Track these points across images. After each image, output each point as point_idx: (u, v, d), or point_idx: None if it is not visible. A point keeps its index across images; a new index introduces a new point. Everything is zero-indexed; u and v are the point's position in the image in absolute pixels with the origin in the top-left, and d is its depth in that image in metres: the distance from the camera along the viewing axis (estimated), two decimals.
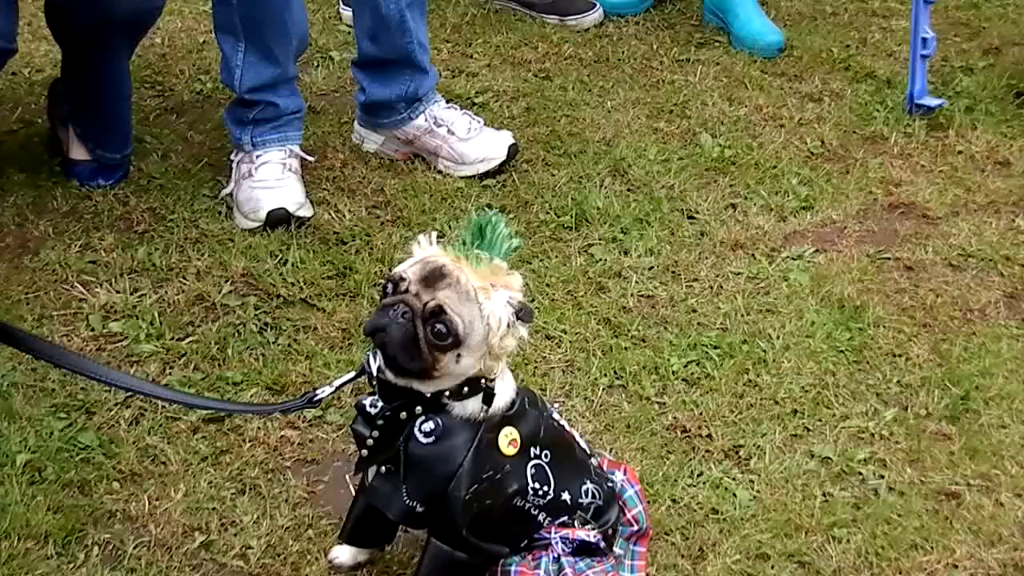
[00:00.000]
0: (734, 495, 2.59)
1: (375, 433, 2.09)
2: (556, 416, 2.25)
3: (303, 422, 2.73)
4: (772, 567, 2.43)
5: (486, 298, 2.01)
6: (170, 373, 2.84)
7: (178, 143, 3.72)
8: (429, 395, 2.07)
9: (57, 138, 3.58)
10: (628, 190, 3.59)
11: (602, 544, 2.20)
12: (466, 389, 2.07)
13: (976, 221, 3.49)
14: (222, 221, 3.37)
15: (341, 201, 3.46)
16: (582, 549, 2.18)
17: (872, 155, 3.78)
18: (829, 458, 2.69)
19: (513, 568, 2.17)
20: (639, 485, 2.35)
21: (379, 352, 2.07)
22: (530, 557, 2.17)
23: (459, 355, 2.02)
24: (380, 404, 2.11)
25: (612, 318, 3.08)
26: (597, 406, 2.81)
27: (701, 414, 2.79)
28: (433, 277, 2.02)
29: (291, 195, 3.34)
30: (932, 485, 2.63)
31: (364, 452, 2.12)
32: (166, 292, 3.09)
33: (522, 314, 2.05)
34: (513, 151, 3.59)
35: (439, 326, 1.99)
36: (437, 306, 1.99)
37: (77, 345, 2.91)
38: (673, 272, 3.26)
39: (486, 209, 2.20)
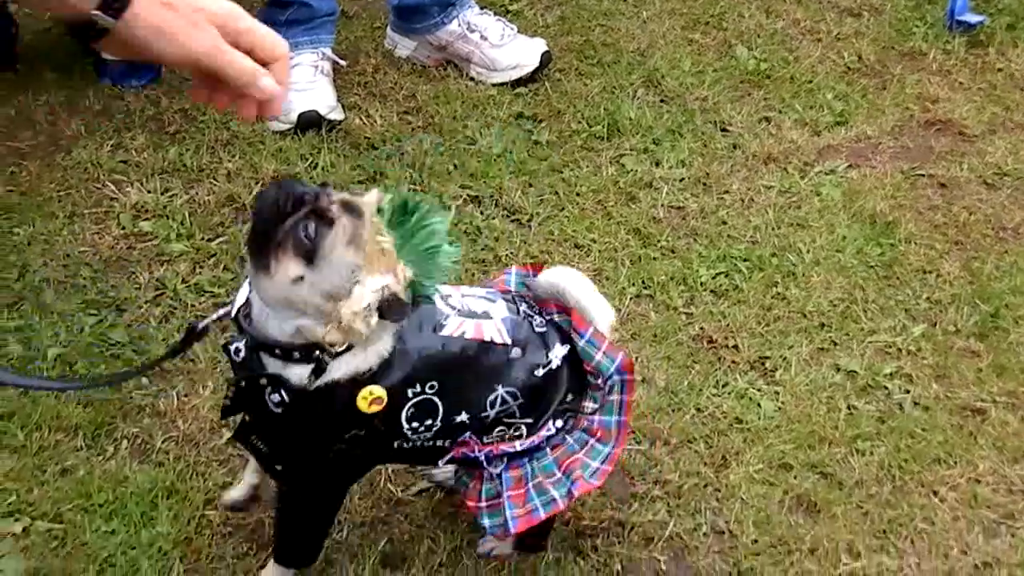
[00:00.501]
0: (759, 405, 2.59)
1: (230, 393, 1.95)
2: (454, 330, 1.97)
3: None
4: (794, 477, 2.44)
5: (367, 270, 1.82)
6: (200, 272, 2.85)
7: None
8: (267, 345, 1.88)
9: None
10: (661, 101, 3.56)
11: (545, 437, 2.05)
12: (296, 354, 1.87)
13: (1013, 140, 3.45)
14: (253, 124, 3.36)
15: (372, 106, 3.45)
16: (513, 455, 2.05)
17: (910, 71, 3.73)
18: (855, 372, 2.69)
19: (462, 491, 2.12)
20: (589, 328, 2.05)
21: (255, 213, 1.89)
22: (472, 482, 2.09)
23: (301, 276, 1.80)
24: (241, 352, 1.93)
25: (642, 228, 3.07)
26: (624, 315, 2.81)
27: (728, 325, 2.79)
28: (351, 208, 1.83)
29: (323, 98, 3.32)
30: (958, 401, 2.63)
31: (226, 402, 1.97)
32: (197, 192, 3.10)
33: (388, 310, 1.83)
34: (546, 59, 3.56)
35: (311, 227, 1.78)
36: (330, 216, 1.80)
37: (108, 243, 2.93)
38: (704, 184, 3.24)
39: (415, 195, 1.95)
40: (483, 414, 2.00)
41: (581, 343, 2.05)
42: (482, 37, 3.56)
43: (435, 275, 1.90)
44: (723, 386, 2.64)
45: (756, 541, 2.32)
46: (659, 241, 3.03)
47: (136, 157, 3.20)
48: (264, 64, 1.53)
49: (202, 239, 2.95)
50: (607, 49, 3.77)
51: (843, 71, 3.73)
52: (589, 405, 2.07)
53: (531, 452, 2.05)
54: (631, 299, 2.86)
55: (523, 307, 2.07)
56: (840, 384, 2.66)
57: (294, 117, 3.28)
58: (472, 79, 3.58)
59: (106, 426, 2.46)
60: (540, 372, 2.02)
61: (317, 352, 1.85)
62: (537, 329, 2.05)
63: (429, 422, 1.96)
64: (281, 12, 3.37)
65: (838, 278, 2.93)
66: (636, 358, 2.68)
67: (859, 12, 4.03)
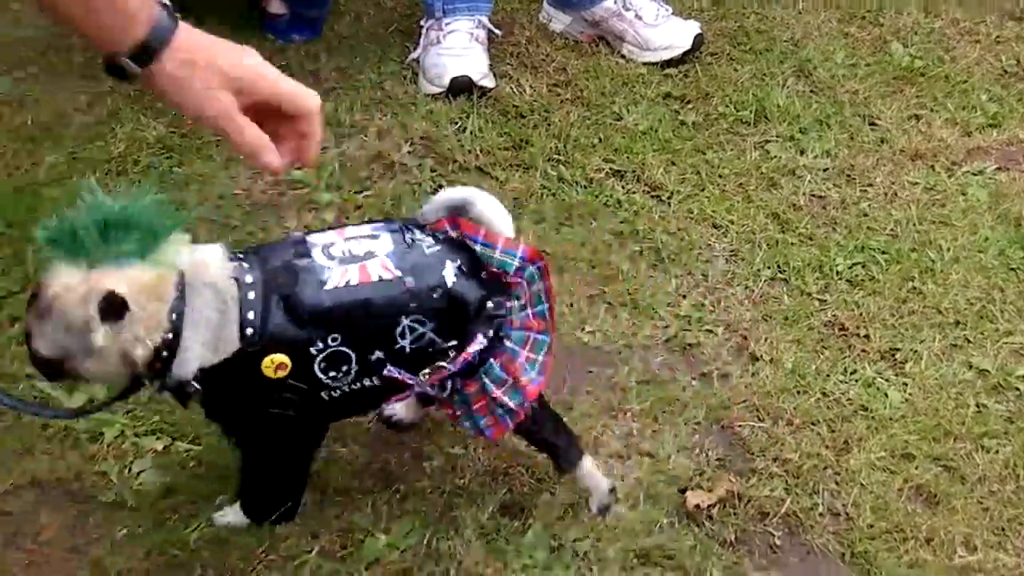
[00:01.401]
0: (885, 395, 2.59)
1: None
2: (338, 281, 1.98)
3: None
4: (916, 467, 2.44)
5: (63, 305, 1.85)
6: (346, 221, 2.94)
7: (370, 7, 3.80)
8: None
9: None
10: (811, 91, 3.55)
11: (475, 352, 2.03)
12: (157, 366, 1.94)
13: None
14: (406, 85, 3.44)
15: (523, 76, 3.51)
16: (476, 360, 2.04)
17: None
18: (987, 371, 2.67)
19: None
20: (481, 230, 2.04)
21: None
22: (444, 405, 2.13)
23: (75, 364, 1.91)
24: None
25: (781, 214, 3.08)
26: (757, 296, 2.83)
27: (861, 315, 2.79)
28: (31, 302, 1.91)
29: (476, 64, 3.39)
30: None
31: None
32: (347, 147, 3.19)
33: (107, 312, 1.85)
34: (698, 41, 3.58)
35: (37, 354, 1.93)
36: (28, 335, 1.92)
37: (261, 188, 3.04)
38: (848, 175, 3.23)
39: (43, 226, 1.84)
40: (396, 347, 2.00)
41: (477, 248, 2.05)
42: (637, 16, 3.59)
43: (147, 220, 1.87)
44: (851, 373, 2.64)
45: (872, 526, 2.32)
46: (798, 227, 3.04)
47: None
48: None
49: (350, 191, 3.04)
50: (760, 36, 3.77)
51: (999, 74, 3.68)
52: (514, 304, 2.07)
53: (478, 367, 2.05)
54: (765, 281, 2.87)
55: (411, 235, 2.06)
56: (970, 381, 2.64)
57: (447, 81, 3.35)
58: (623, 56, 3.62)
59: None
60: (436, 295, 2.01)
61: (160, 359, 1.92)
62: (428, 252, 2.03)
63: (345, 368, 1.99)
64: None
65: (977, 277, 2.90)
66: (766, 339, 2.70)
67: (1021, 16, 3.96)
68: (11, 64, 3.43)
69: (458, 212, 2.06)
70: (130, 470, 2.33)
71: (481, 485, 2.35)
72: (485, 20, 3.51)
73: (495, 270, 2.03)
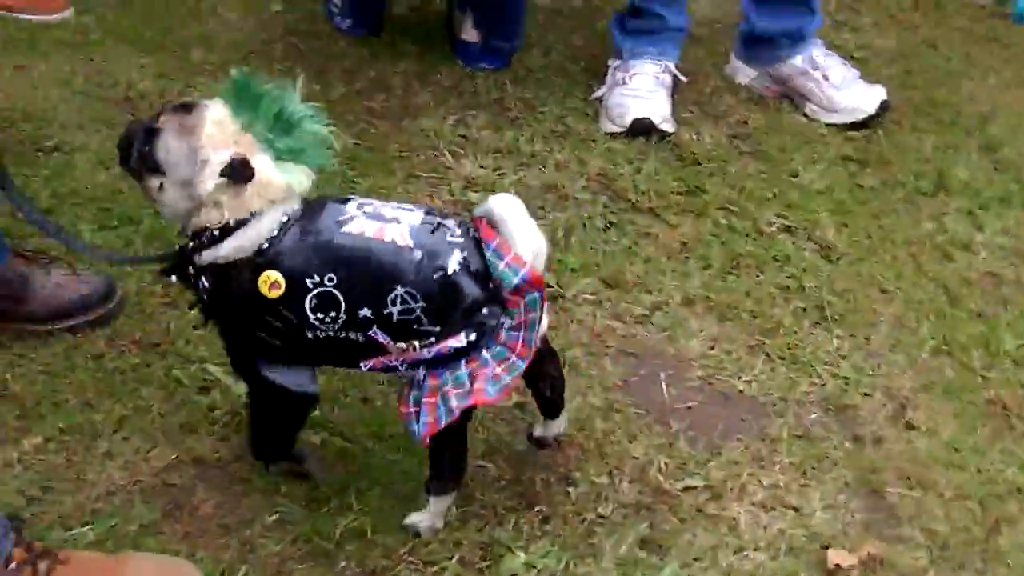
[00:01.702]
0: None
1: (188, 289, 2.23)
2: (354, 229, 2.10)
3: (630, 317, 2.84)
4: None
5: (211, 147, 2.06)
6: None
7: (560, 43, 3.88)
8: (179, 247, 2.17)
9: (452, 18, 3.79)
10: (995, 168, 3.50)
11: (452, 347, 2.07)
12: (202, 239, 2.12)
13: None
14: (588, 122, 3.50)
15: (704, 125, 3.54)
16: (450, 356, 2.08)
17: None
18: None
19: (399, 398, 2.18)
20: (496, 239, 2.07)
21: None
22: (405, 390, 2.15)
23: (162, 184, 2.11)
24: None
25: (951, 287, 3.04)
26: (919, 365, 2.80)
27: None
28: (180, 108, 2.11)
29: (658, 108, 3.43)
30: None
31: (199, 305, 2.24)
32: (524, 175, 3.26)
33: (228, 171, 2.05)
34: (884, 107, 3.57)
35: (146, 146, 2.10)
36: (154, 129, 2.09)
37: (438, 206, 3.12)
38: None
39: (236, 71, 2.13)
40: (385, 311, 2.07)
41: (488, 254, 2.08)
42: (824, 77, 3.60)
43: (308, 142, 2.11)
44: (1009, 454, 2.60)
45: None
46: (967, 302, 3.00)
47: (475, 134, 3.40)
48: None
49: None
50: (947, 108, 3.74)
51: None
52: (507, 321, 2.09)
53: (449, 364, 2.08)
54: (929, 352, 2.84)
55: (440, 219, 2.13)
56: None
57: (628, 121, 3.40)
58: (806, 116, 3.62)
59: None
60: (436, 276, 2.06)
61: (206, 233, 2.11)
62: (448, 239, 2.10)
63: (333, 314, 2.08)
64: (634, 20, 3.51)
65: None
66: (924, 409, 2.67)
67: None
68: (215, 65, 3.59)
69: (494, 222, 2.10)
70: None
71: (624, 517, 2.37)
72: (672, 66, 3.55)
73: (494, 280, 2.08)
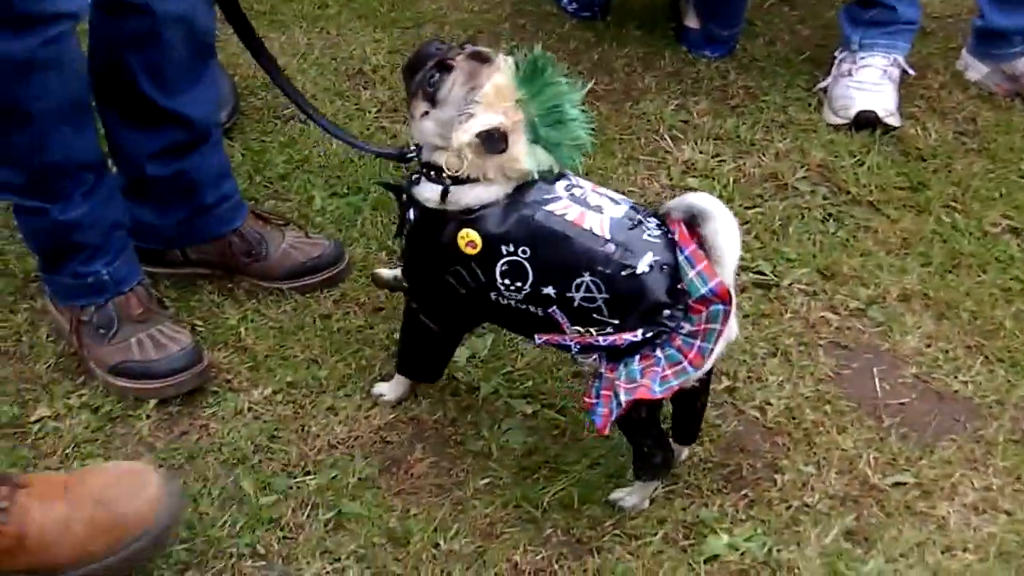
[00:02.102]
0: None
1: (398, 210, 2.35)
2: (557, 209, 2.16)
3: (844, 309, 2.82)
4: None
5: (483, 106, 2.14)
6: None
7: (786, 32, 3.85)
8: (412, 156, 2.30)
9: (677, 4, 3.81)
10: None
11: (628, 340, 2.11)
12: (428, 171, 2.24)
13: None
14: (810, 112, 3.47)
15: (930, 120, 3.47)
16: (624, 349, 2.13)
17: None
18: None
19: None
20: (692, 246, 2.09)
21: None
22: (591, 381, 2.19)
23: (426, 112, 2.22)
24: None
25: None
26: None
27: None
28: (477, 56, 2.21)
29: (884, 101, 3.38)
30: None
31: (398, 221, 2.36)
32: (744, 163, 3.26)
33: (484, 137, 2.13)
34: None
35: (434, 74, 2.20)
36: (448, 64, 2.19)
37: (655, 189, 3.15)
38: None
39: (540, 51, 2.18)
40: (568, 294, 2.13)
41: (680, 258, 2.09)
42: None
43: (569, 140, 2.20)
44: None
45: None
46: None
47: (696, 119, 3.41)
48: None
49: (740, 205, 3.10)
50: None
51: None
52: (686, 326, 2.10)
53: (623, 357, 2.12)
54: None
55: (642, 216, 2.16)
56: None
57: (852, 113, 3.36)
58: None
59: None
60: (624, 273, 2.10)
61: (444, 174, 2.20)
62: (645, 237, 2.13)
63: (519, 284, 2.17)
64: (865, 11, 3.46)
65: None
66: None
67: None
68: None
69: (694, 219, 2.12)
70: (499, 427, 2.49)
71: (829, 507, 2.36)
72: (901, 59, 3.49)
73: (681, 285, 2.10)
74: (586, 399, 2.19)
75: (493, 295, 2.22)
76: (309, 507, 2.32)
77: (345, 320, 2.72)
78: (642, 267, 2.12)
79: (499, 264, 2.18)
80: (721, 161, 3.26)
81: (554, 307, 2.17)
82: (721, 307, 2.09)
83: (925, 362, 2.71)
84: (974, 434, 2.54)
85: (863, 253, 2.99)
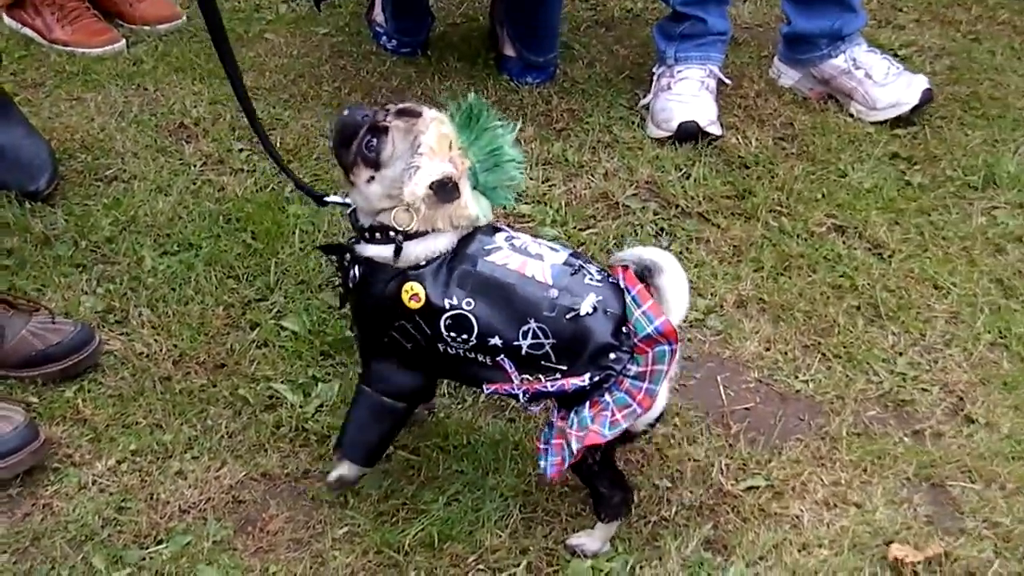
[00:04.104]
0: None
1: (337, 272, 2.34)
2: (498, 259, 2.19)
3: (684, 321, 2.86)
4: None
5: (428, 156, 2.15)
6: None
7: (604, 54, 3.91)
8: (361, 228, 2.25)
9: (495, 34, 3.84)
10: None
11: (575, 385, 2.14)
12: (377, 235, 2.21)
13: None
14: (634, 130, 3.53)
15: (750, 128, 3.56)
16: (573, 395, 2.15)
17: None
18: None
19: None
20: (638, 286, 2.14)
21: (331, 145, 2.31)
22: (542, 429, 2.23)
23: (372, 177, 2.18)
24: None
25: (1006, 280, 3.05)
26: (976, 359, 2.80)
27: None
28: (406, 112, 2.21)
29: (704, 111, 3.46)
30: None
31: (340, 289, 2.34)
32: (574, 186, 3.29)
33: (437, 187, 2.15)
34: (926, 96, 3.56)
35: (372, 139, 2.17)
36: (383, 126, 2.18)
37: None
38: None
39: (474, 98, 2.25)
40: (515, 343, 2.16)
41: (628, 298, 2.14)
42: (867, 75, 3.61)
43: (503, 183, 2.24)
44: None
45: None
46: (1022, 295, 3.00)
47: (524, 146, 3.40)
48: None
49: (574, 227, 3.14)
50: (994, 103, 3.74)
51: None
52: (632, 368, 2.14)
53: (574, 405, 2.16)
54: (985, 345, 2.84)
55: (582, 263, 2.22)
56: None
57: (674, 126, 3.43)
58: (851, 115, 3.63)
59: None
60: (568, 316, 2.14)
61: (392, 232, 2.19)
62: (586, 281, 2.18)
63: (465, 336, 2.17)
64: (677, 26, 3.54)
65: None
66: (982, 402, 2.68)
67: None
68: (266, 89, 3.65)
69: (646, 271, 2.18)
70: None
71: (687, 519, 2.39)
72: (716, 70, 3.58)
73: (630, 326, 2.13)
74: (539, 445, 2.22)
75: (440, 346, 2.21)
76: None
77: (186, 381, 2.66)
78: (585, 308, 2.15)
79: (443, 317, 2.18)
80: (552, 185, 3.29)
81: (502, 355, 2.18)
82: (667, 347, 2.12)
83: (766, 365, 2.77)
84: (819, 431, 2.61)
85: (697, 264, 3.05)
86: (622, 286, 2.15)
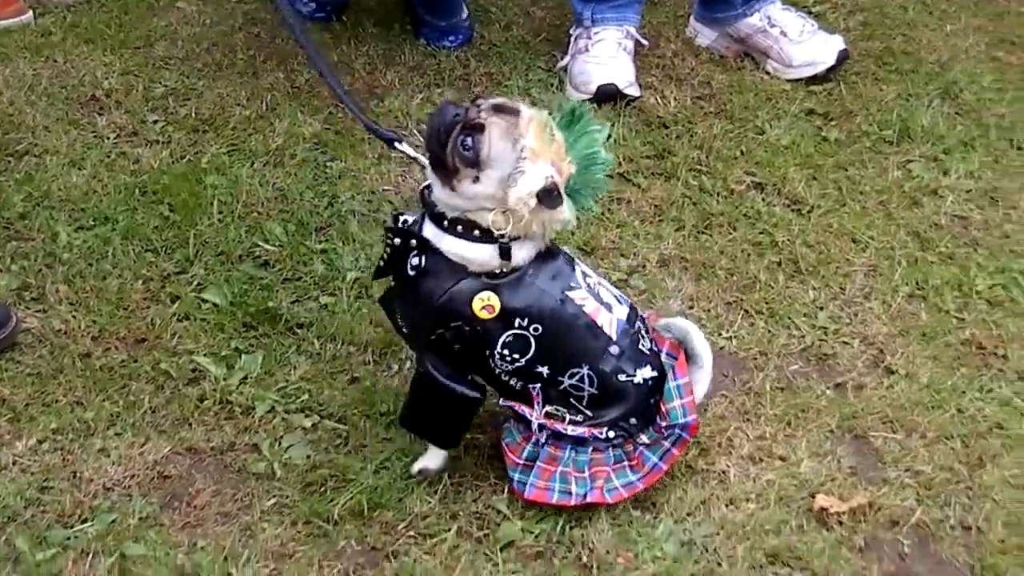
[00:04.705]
0: (1022, 414, 2.58)
1: (386, 251, 2.27)
2: (577, 298, 2.22)
3: (607, 281, 2.87)
4: None
5: (530, 159, 2.10)
6: None
7: (520, 16, 3.90)
8: (438, 214, 2.20)
9: None
10: (956, 113, 3.54)
11: (593, 435, 2.24)
12: (460, 228, 2.17)
13: None
14: (553, 92, 3.53)
15: (668, 88, 3.57)
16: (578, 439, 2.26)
17: None
18: None
19: (507, 441, 2.31)
20: (685, 378, 2.30)
21: (425, 146, 2.23)
22: (521, 439, 2.28)
23: (476, 177, 2.12)
24: (409, 220, 2.29)
25: (922, 232, 3.09)
26: (895, 311, 2.84)
27: (1000, 335, 2.78)
28: (503, 109, 2.15)
29: (622, 73, 3.46)
30: None
31: (381, 263, 2.30)
32: None
33: (543, 194, 2.10)
34: (842, 56, 3.60)
35: (468, 138, 2.11)
36: (479, 123, 2.12)
37: (411, 185, 3.14)
38: (992, 197, 3.23)
39: (583, 104, 2.25)
40: (559, 378, 2.22)
41: (671, 384, 2.27)
42: (782, 33, 3.63)
43: (589, 185, 2.21)
44: (987, 392, 2.64)
45: (1004, 541, 2.33)
46: (938, 247, 3.04)
47: None
48: None
49: None
50: (906, 57, 3.78)
51: None
52: (643, 438, 2.28)
53: (575, 443, 2.25)
54: (903, 298, 2.88)
55: (640, 324, 2.29)
56: None
57: (593, 88, 3.43)
58: (768, 73, 3.66)
59: (392, 346, 2.65)
60: (621, 378, 2.24)
61: (489, 232, 2.15)
62: (642, 348, 2.27)
63: (517, 356, 2.20)
64: None
65: None
66: (902, 353, 2.72)
67: None
68: (179, 59, 3.59)
69: (681, 340, 2.32)
70: (280, 444, 2.44)
71: None
72: (633, 31, 3.58)
73: (664, 409, 2.28)
74: (512, 456, 2.27)
75: (490, 361, 2.22)
76: (90, 556, 2.22)
77: (107, 356, 2.62)
78: (639, 378, 2.25)
79: (506, 334, 2.18)
80: None
81: (539, 384, 2.21)
82: (684, 435, 2.27)
83: None
84: (743, 387, 2.63)
85: (619, 224, 3.06)
86: (665, 362, 2.29)
